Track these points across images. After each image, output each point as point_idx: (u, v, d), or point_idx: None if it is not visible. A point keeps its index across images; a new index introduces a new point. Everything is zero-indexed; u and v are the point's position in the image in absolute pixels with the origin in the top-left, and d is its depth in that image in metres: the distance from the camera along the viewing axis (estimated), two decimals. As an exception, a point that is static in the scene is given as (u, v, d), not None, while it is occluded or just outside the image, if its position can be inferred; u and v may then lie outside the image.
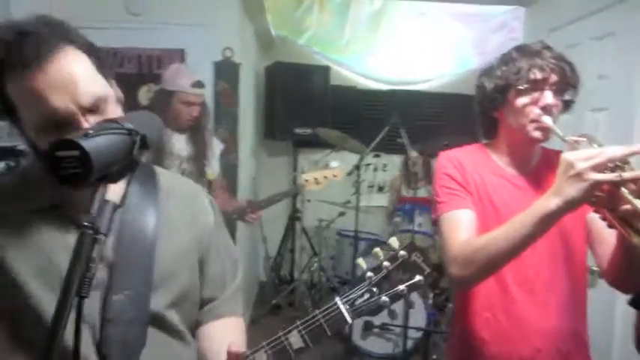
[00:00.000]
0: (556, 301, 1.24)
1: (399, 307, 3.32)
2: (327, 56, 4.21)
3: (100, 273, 0.81)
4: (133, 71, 2.89)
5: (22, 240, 0.79)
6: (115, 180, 0.63)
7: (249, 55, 3.71)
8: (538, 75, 1.18)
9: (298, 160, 4.59)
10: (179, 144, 2.27)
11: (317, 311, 0.87)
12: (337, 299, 0.88)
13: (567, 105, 1.24)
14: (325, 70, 4.37)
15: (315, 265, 4.47)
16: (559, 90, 1.19)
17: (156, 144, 0.69)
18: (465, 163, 1.29)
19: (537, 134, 1.19)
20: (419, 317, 3.34)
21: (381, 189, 5.02)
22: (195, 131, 2.29)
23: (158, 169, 0.99)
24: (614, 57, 2.21)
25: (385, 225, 4.34)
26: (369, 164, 4.85)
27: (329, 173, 2.43)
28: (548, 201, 0.98)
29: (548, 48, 1.22)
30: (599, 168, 0.92)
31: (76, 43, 0.76)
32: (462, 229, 1.20)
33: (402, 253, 0.88)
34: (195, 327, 0.97)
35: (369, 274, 0.88)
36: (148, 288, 0.85)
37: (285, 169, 4.75)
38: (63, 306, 0.57)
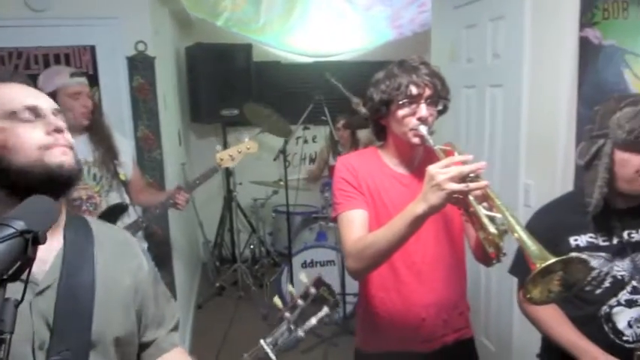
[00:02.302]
0: (439, 279, 1.47)
1: (335, 276, 3.55)
2: (246, 37, 4.20)
3: (43, 333, 0.86)
4: (40, 72, 2.75)
5: None
6: (13, 280, 0.66)
7: (167, 42, 3.62)
8: (414, 91, 1.35)
9: (228, 139, 4.60)
10: (80, 148, 2.12)
11: (245, 355, 1.00)
12: (262, 341, 1.02)
13: (441, 112, 1.43)
14: (247, 48, 4.36)
15: (255, 242, 4.61)
16: (433, 102, 1.38)
17: (49, 228, 0.72)
18: (357, 167, 1.46)
19: (416, 140, 1.38)
20: (355, 284, 3.59)
21: (312, 161, 5.16)
22: (93, 131, 2.16)
23: (89, 219, 1.03)
24: (506, 38, 2.40)
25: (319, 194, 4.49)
26: (298, 137, 4.97)
27: (242, 147, 2.41)
28: (416, 206, 1.17)
29: (424, 64, 1.39)
30: (454, 180, 1.11)
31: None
32: (355, 227, 1.38)
33: (312, 290, 1.03)
34: None
35: (287, 314, 1.03)
36: (86, 347, 0.88)
37: (215, 150, 4.74)
38: None
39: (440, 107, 1.41)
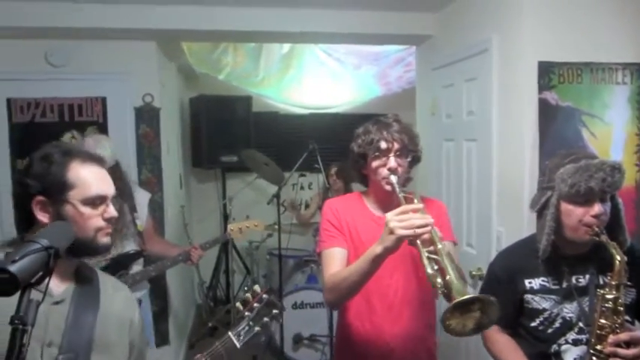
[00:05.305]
0: (408, 312, 1.64)
1: (324, 318, 3.66)
2: (246, 89, 4.52)
3: (57, 338, 1.07)
4: (55, 120, 3.02)
5: None
6: (37, 285, 0.84)
7: (172, 94, 3.92)
8: (383, 145, 1.58)
9: (227, 184, 4.83)
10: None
11: (217, 342, 1.23)
12: (229, 333, 1.27)
13: (413, 163, 1.65)
14: (247, 100, 4.65)
15: (249, 284, 4.73)
16: (402, 155, 1.60)
17: (67, 247, 0.94)
18: (340, 210, 1.67)
19: (388, 187, 1.59)
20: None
21: (307, 206, 5.35)
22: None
23: (97, 270, 1.27)
24: (478, 97, 2.65)
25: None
26: (294, 184, 5.19)
27: (251, 224, 2.98)
28: (376, 247, 1.36)
29: (397, 121, 1.62)
30: (406, 227, 1.30)
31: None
32: (334, 262, 1.57)
33: (264, 296, 1.30)
34: None
35: (247, 313, 1.30)
36: (88, 351, 1.10)
37: (214, 194, 4.98)
38: None
39: (409, 158, 1.62)
